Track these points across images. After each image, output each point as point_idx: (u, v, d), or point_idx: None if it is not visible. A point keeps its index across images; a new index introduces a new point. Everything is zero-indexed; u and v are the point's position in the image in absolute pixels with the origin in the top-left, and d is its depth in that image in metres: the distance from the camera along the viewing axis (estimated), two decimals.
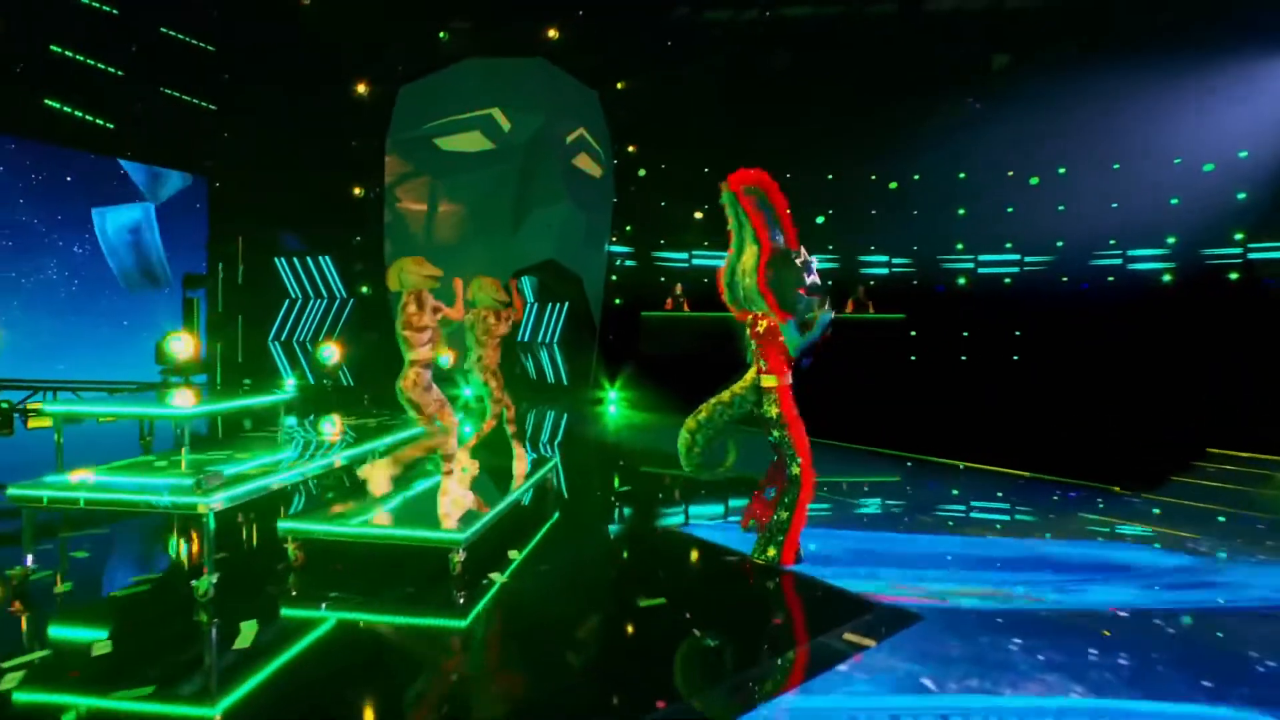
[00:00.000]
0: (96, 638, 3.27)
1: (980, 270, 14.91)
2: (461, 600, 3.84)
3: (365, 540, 4.15)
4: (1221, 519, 5.70)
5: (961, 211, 14.66)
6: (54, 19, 9.15)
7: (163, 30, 10.19)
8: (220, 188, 10.99)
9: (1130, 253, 13.84)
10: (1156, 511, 5.92)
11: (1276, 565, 4.58)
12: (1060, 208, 14.07)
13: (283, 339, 10.95)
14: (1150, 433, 8.93)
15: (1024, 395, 11.29)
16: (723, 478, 4.66)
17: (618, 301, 14.02)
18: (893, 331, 12.43)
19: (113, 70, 9.79)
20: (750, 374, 4.43)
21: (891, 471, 7.45)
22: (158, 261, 10.11)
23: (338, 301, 11.06)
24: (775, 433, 4.33)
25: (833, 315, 4.37)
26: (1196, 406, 9.66)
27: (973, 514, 5.91)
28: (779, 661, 3.28)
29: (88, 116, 9.66)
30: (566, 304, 12.71)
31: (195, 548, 4.58)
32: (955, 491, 6.67)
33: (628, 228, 14.59)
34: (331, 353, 8.53)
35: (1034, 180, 14.24)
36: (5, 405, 7.29)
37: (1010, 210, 14.41)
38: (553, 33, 11.65)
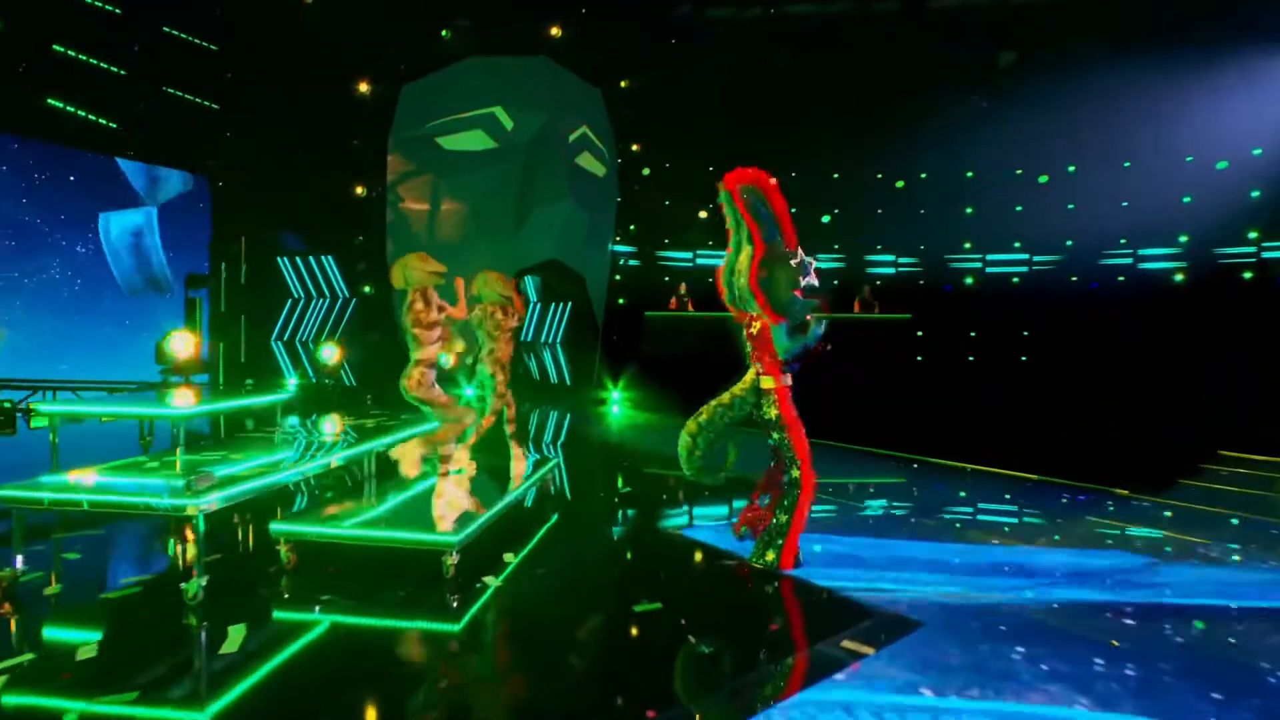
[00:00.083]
0: (83, 641, 3.24)
1: (988, 270, 14.75)
2: (455, 604, 3.79)
3: (358, 542, 4.11)
4: (1234, 522, 5.58)
5: (969, 210, 14.51)
6: (56, 18, 9.18)
7: (165, 29, 10.20)
8: (223, 187, 11.00)
9: (1141, 252, 13.66)
10: (1168, 514, 5.81)
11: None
12: (1070, 206, 13.91)
13: (285, 339, 10.95)
14: (1161, 435, 8.79)
15: (1032, 396, 11.16)
16: (724, 480, 4.61)
17: (621, 301, 13.96)
18: (899, 331, 12.30)
19: (115, 69, 9.81)
20: (749, 375, 4.37)
21: (897, 474, 7.35)
22: (158, 266, 10.13)
23: (340, 301, 11.05)
24: (775, 435, 4.27)
25: (824, 330, 4.30)
26: (1208, 408, 9.51)
27: (979, 517, 5.81)
28: (774, 669, 3.20)
29: (90, 116, 9.69)
30: (569, 304, 12.66)
31: (188, 549, 4.54)
32: (961, 494, 6.57)
33: (631, 227, 14.52)
34: (331, 352, 8.50)
35: (1043, 178, 14.08)
36: (8, 405, 7.31)
37: (1019, 209, 14.25)
38: (555, 31, 11.59)
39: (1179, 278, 13.29)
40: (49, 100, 9.32)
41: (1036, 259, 14.43)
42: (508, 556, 4.44)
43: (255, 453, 4.76)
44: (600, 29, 11.88)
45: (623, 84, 12.99)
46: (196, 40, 10.51)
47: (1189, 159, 12.71)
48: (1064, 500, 6.20)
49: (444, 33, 10.84)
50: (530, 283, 12.06)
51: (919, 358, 12.99)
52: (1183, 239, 13.26)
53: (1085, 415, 9.92)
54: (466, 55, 10.91)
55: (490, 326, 5.49)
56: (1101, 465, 7.09)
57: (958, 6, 12.70)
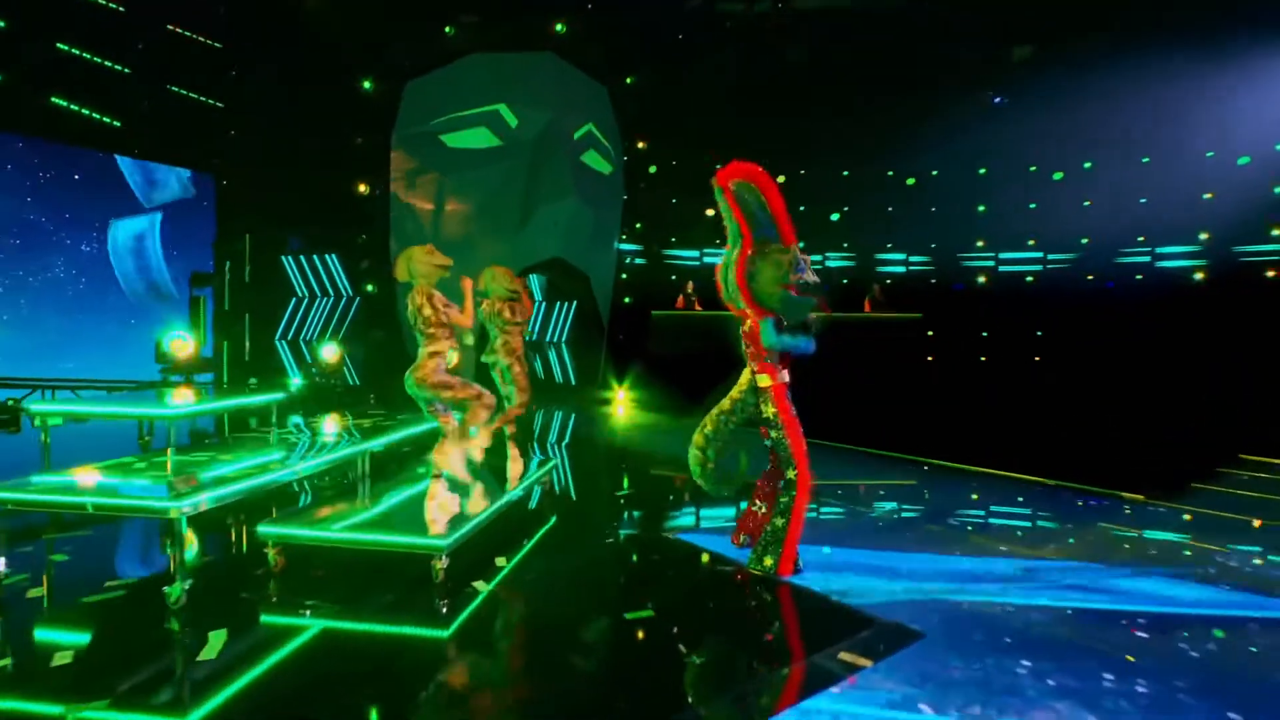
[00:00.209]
0: (59, 646, 3.17)
1: (1001, 268, 14.52)
2: (444, 610, 3.70)
3: (346, 545, 4.03)
4: (1256, 526, 5.38)
5: (981, 208, 14.29)
6: (60, 17, 9.20)
7: (169, 28, 10.21)
8: (227, 185, 11.01)
9: (1159, 250, 13.40)
10: (1187, 517, 5.61)
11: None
12: (1086, 203, 13.66)
13: (289, 337, 10.94)
14: (1179, 438, 8.55)
15: (1046, 398, 10.92)
16: (741, 486, 4.53)
17: (627, 300, 13.86)
18: (909, 331, 12.11)
19: (119, 68, 9.83)
20: (745, 375, 4.27)
21: (906, 477, 7.18)
22: (158, 273, 10.16)
23: (344, 300, 11.03)
24: (773, 433, 4.15)
25: (814, 348, 4.19)
26: (1228, 410, 9.25)
27: (989, 521, 5.63)
28: (764, 683, 3.08)
29: (94, 114, 9.72)
30: (574, 303, 12.57)
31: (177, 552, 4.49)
32: (972, 498, 6.39)
33: (637, 225, 14.42)
34: (331, 352, 8.46)
35: (1058, 175, 13.84)
36: (11, 403, 7.33)
37: (1033, 206, 14.03)
38: (560, 26, 11.49)
39: (1199, 276, 12.99)
40: (53, 99, 9.35)
41: (1051, 257, 14.18)
42: (500, 560, 4.34)
43: (247, 454, 4.71)
44: (606, 24, 11.78)
45: (628, 80, 12.87)
46: (200, 38, 10.52)
47: (1209, 155, 12.42)
48: (1078, 505, 6.01)
49: (447, 29, 10.77)
50: (535, 281, 11.98)
51: (930, 358, 12.77)
52: (1203, 237, 12.96)
53: (1101, 418, 9.68)
54: (471, 51, 10.84)
55: (500, 320, 5.45)
56: (1117, 469, 6.89)
57: None
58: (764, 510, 4.44)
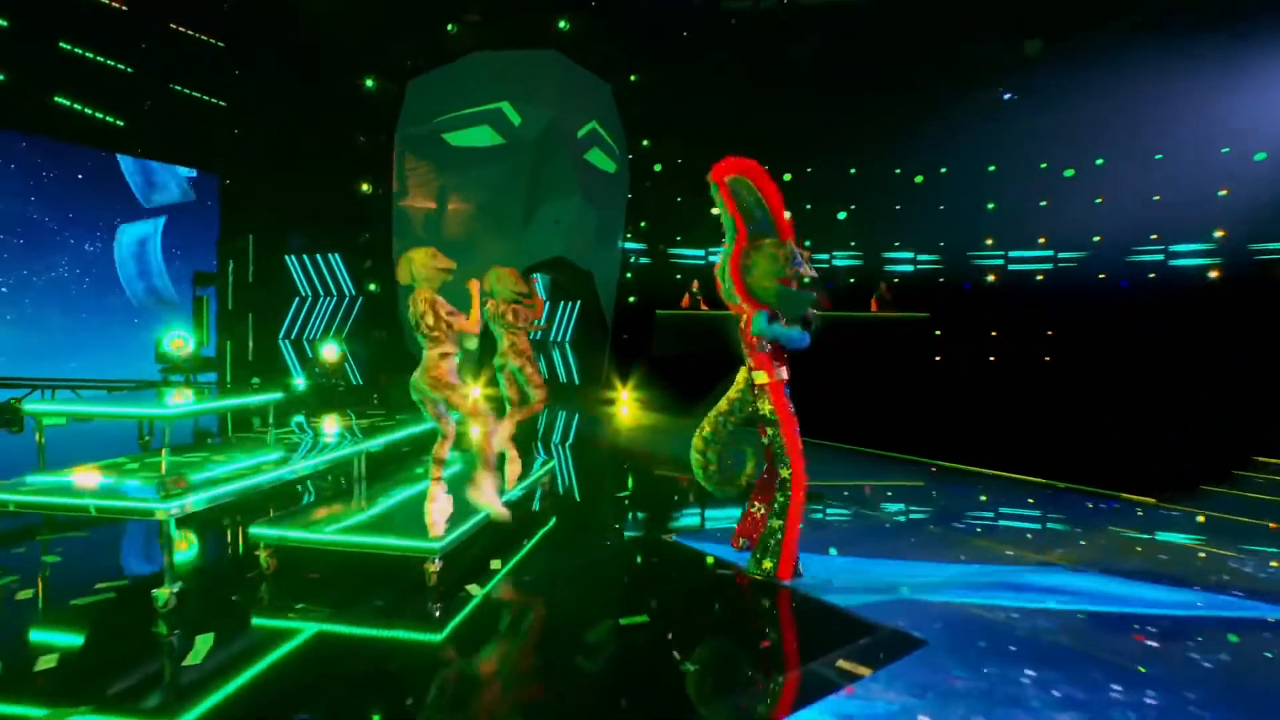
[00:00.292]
0: (45, 649, 3.13)
1: (1010, 267, 14.35)
2: (437, 613, 3.64)
3: (338, 548, 3.97)
4: (1273, 530, 5.23)
5: (991, 205, 14.11)
6: (62, 16, 9.22)
7: (172, 26, 10.21)
8: (230, 185, 11.01)
9: (1173, 248, 13.21)
10: (1200, 523, 5.47)
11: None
12: (1097, 200, 13.47)
13: (293, 337, 10.94)
14: (1192, 439, 8.38)
15: (1056, 399, 10.75)
16: (745, 488, 4.45)
17: (631, 300, 13.78)
18: (916, 331, 11.97)
19: (122, 67, 9.85)
20: (742, 374, 4.19)
21: (913, 478, 7.07)
22: (158, 277, 10.17)
23: (347, 299, 11.01)
24: (769, 431, 4.07)
25: (808, 342, 4.07)
26: (1243, 411, 9.07)
27: (997, 524, 5.50)
28: (759, 692, 2.99)
29: (97, 114, 9.74)
30: (578, 302, 12.51)
31: (171, 554, 4.45)
32: (980, 501, 6.27)
33: (642, 224, 14.35)
34: (330, 351, 8.44)
35: (1069, 172, 13.66)
36: (14, 403, 7.34)
37: (1043, 204, 13.84)
38: (564, 23, 11.42)
39: (1213, 275, 12.78)
40: (55, 98, 9.38)
41: (1062, 256, 14.00)
42: (495, 564, 4.28)
43: (242, 454, 4.67)
44: (610, 21, 11.69)
45: (632, 78, 12.78)
46: (203, 37, 10.51)
47: (1225, 150, 12.21)
48: (1087, 508, 5.88)
49: (450, 26, 10.71)
50: (539, 281, 11.91)
51: (937, 358, 12.62)
52: (1217, 234, 12.74)
53: (1112, 419, 9.51)
54: (473, 49, 10.78)
55: (502, 324, 5.37)
56: (1128, 471, 6.74)
57: None
58: (762, 512, 4.35)
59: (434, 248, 4.13)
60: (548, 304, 12.93)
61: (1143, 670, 3.11)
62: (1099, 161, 13.43)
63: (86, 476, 3.97)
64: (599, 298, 12.24)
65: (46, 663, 3.02)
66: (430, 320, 4.05)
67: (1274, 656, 3.20)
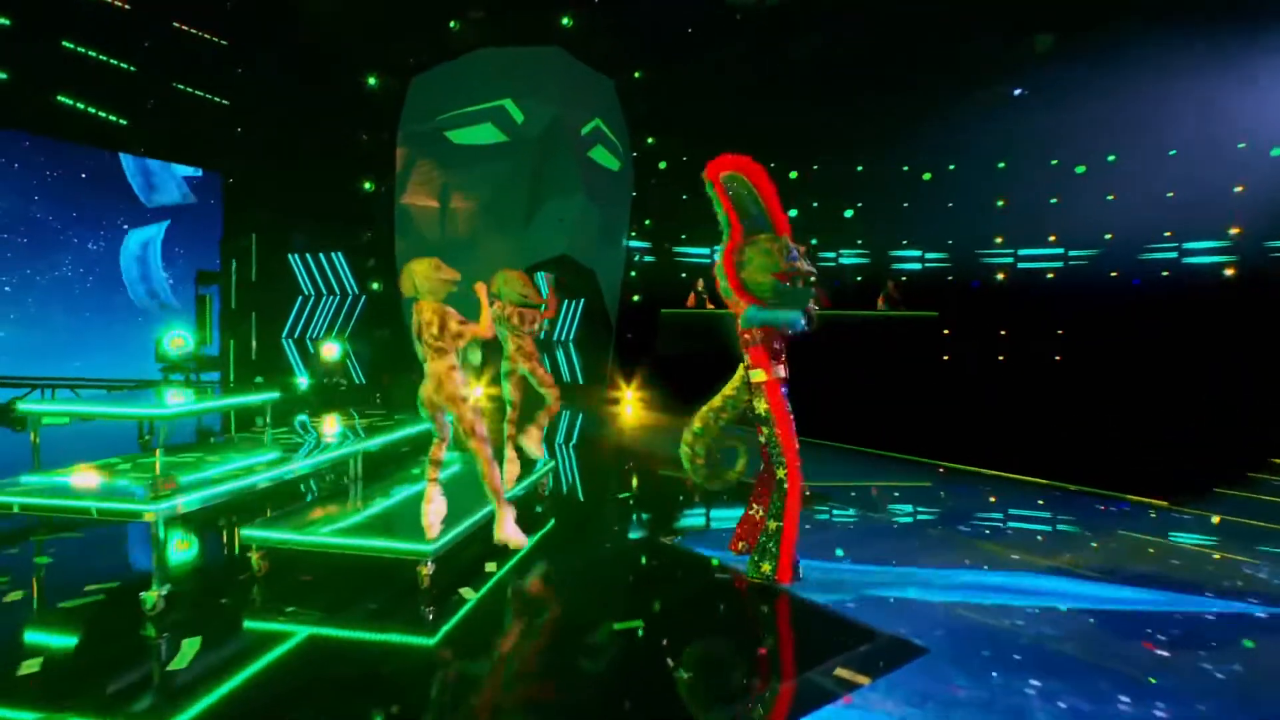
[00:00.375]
0: (29, 653, 3.09)
1: (1020, 265, 14.17)
2: (430, 617, 3.58)
3: (330, 550, 3.92)
4: None
5: (1000, 203, 13.94)
6: (65, 14, 9.24)
7: (175, 25, 10.22)
8: (233, 183, 11.02)
9: (1187, 245, 13.01)
10: (1214, 528, 5.34)
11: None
12: (1109, 197, 13.26)
13: (296, 336, 10.94)
14: (1207, 441, 8.22)
15: (1066, 399, 10.58)
16: (734, 485, 4.40)
17: (636, 299, 13.70)
18: (924, 330, 11.83)
19: (125, 66, 9.86)
20: (739, 371, 4.12)
21: (919, 480, 6.95)
22: (157, 283, 10.20)
23: (350, 298, 11.00)
24: (765, 430, 3.99)
25: (802, 324, 4.00)
26: (1260, 412, 8.88)
27: (1004, 528, 5.38)
28: (753, 702, 2.91)
29: (100, 113, 9.76)
30: (581, 301, 12.44)
31: (163, 556, 4.41)
32: (987, 504, 6.15)
33: (647, 222, 14.26)
34: (331, 350, 8.41)
35: (1080, 169, 13.47)
36: (16, 401, 7.35)
37: (1054, 201, 13.65)
38: (567, 20, 11.35)
39: (1229, 273, 12.56)
40: (58, 97, 9.40)
41: (1072, 253, 13.82)
42: (490, 566, 4.22)
43: (236, 454, 4.62)
44: (614, 17, 11.61)
45: (636, 75, 12.70)
46: (206, 35, 10.51)
47: (1241, 145, 11.98)
48: (1098, 511, 5.76)
49: (452, 23, 10.67)
50: (542, 279, 11.85)
51: (945, 357, 12.47)
52: (1233, 231, 12.53)
53: (1124, 420, 9.34)
54: (476, 46, 10.73)
55: (507, 326, 5.33)
56: (1141, 474, 6.60)
57: None
58: (761, 514, 4.27)
59: (437, 258, 4.01)
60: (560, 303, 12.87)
61: (1153, 681, 3.00)
62: (1111, 158, 13.24)
63: (77, 477, 3.93)
64: (603, 296, 12.17)
65: (29, 667, 2.98)
66: (436, 330, 3.92)
67: None
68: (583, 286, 11.89)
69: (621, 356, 12.76)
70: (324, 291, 11.00)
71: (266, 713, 2.72)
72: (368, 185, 10.89)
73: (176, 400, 5.16)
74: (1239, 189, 12.23)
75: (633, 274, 13.92)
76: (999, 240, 14.30)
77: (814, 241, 15.07)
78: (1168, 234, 13.06)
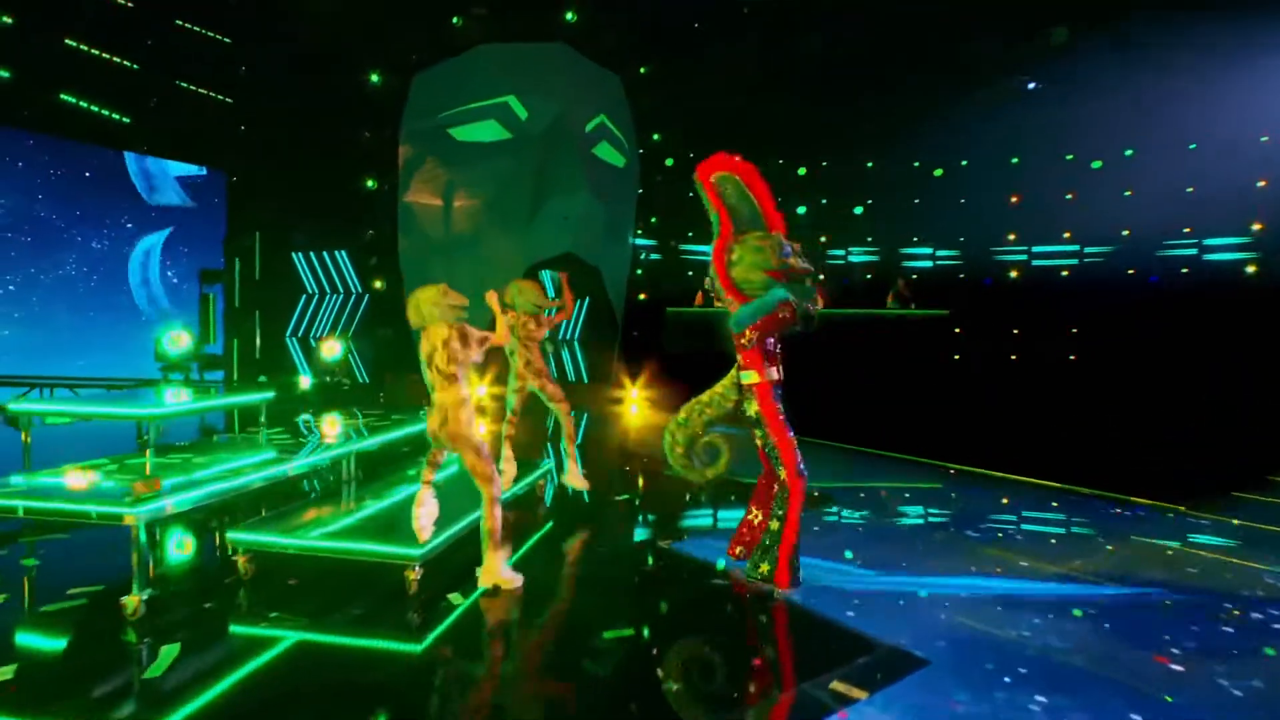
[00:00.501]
0: (5, 659, 3.03)
1: (1034, 262, 13.92)
2: (417, 623, 3.50)
3: (316, 554, 3.85)
4: None
5: (1014, 199, 13.69)
6: (68, 13, 9.26)
7: (178, 23, 10.22)
8: (237, 182, 11.03)
9: (1207, 242, 12.75)
10: (1232, 534, 5.15)
11: None
12: (1126, 193, 12.99)
13: (299, 335, 10.93)
14: (1226, 444, 7.98)
15: (1081, 400, 10.35)
16: (712, 481, 4.29)
17: (642, 297, 13.59)
18: (934, 329, 11.63)
19: (128, 64, 9.87)
20: (732, 371, 4.02)
21: (928, 482, 6.78)
22: (155, 288, 10.24)
23: (353, 297, 10.97)
24: (759, 433, 3.91)
25: (785, 295, 3.88)
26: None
27: (1014, 535, 5.21)
28: (748, 716, 2.80)
29: (103, 111, 9.78)
30: (586, 299, 12.33)
31: (151, 557, 4.36)
32: (997, 509, 5.98)
33: (653, 219, 14.15)
34: (331, 349, 8.38)
35: (1096, 164, 13.21)
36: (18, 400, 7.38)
37: (1069, 197, 13.39)
38: (571, 15, 11.25)
39: (1250, 270, 12.26)
40: (61, 95, 9.43)
41: (1088, 250, 13.56)
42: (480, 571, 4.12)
43: (226, 455, 4.56)
44: (619, 12, 11.49)
45: (642, 70, 12.57)
46: (209, 33, 10.52)
47: (1264, 139, 11.68)
48: (1111, 516, 5.58)
49: (455, 19, 10.59)
50: (546, 277, 11.76)
51: (956, 356, 12.26)
52: (1255, 227, 12.23)
53: (1140, 421, 9.10)
54: (479, 42, 10.64)
55: (522, 335, 5.31)
56: (1157, 477, 6.40)
57: None
58: (760, 518, 4.18)
59: (443, 284, 3.83)
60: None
61: (1169, 700, 2.85)
62: (1128, 152, 12.96)
63: (61, 479, 3.88)
64: (608, 295, 12.07)
65: (3, 674, 2.92)
66: (456, 344, 3.70)
67: None
68: (587, 285, 11.78)
69: (627, 355, 12.65)
70: (327, 290, 10.98)
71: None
72: (371, 183, 10.86)
73: (173, 400, 5.12)
74: (1261, 184, 11.94)
75: (639, 272, 13.81)
76: (1012, 237, 14.06)
77: (823, 239, 14.89)
78: (1187, 230, 12.77)
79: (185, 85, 10.58)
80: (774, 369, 3.92)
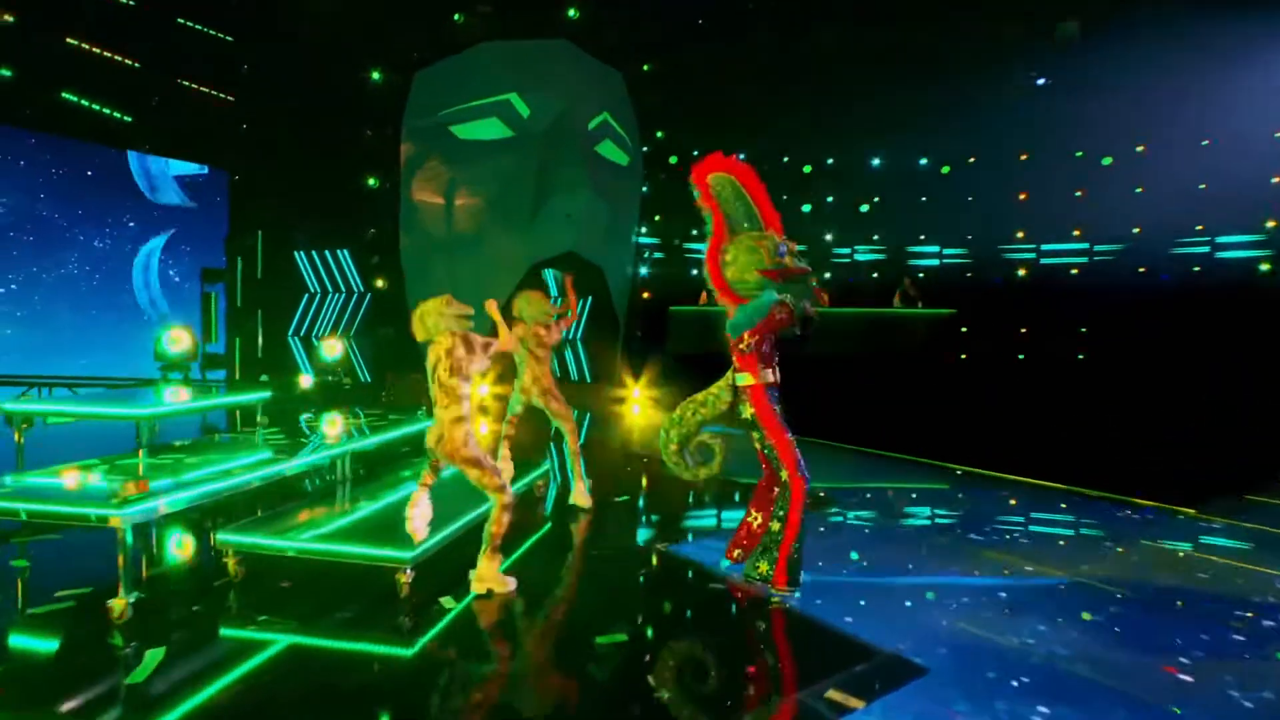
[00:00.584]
0: None
1: (1043, 261, 13.76)
2: (408, 627, 3.45)
3: (306, 556, 3.79)
4: None
5: (1022, 196, 13.53)
6: (69, 11, 9.27)
7: (179, 21, 10.23)
8: (239, 180, 11.03)
9: (1220, 239, 12.55)
10: (1246, 539, 5.03)
11: None
12: (1137, 190, 12.81)
13: (302, 334, 10.92)
14: (1239, 447, 7.83)
15: (1090, 401, 10.19)
16: (705, 481, 4.29)
17: (646, 296, 13.52)
18: (941, 328, 11.51)
19: (129, 62, 9.88)
20: (728, 373, 3.97)
21: (934, 484, 6.68)
22: (155, 292, 10.26)
23: (355, 296, 10.95)
24: (755, 436, 3.87)
25: (776, 297, 3.85)
26: None
27: (1020, 539, 5.10)
28: None
29: (105, 110, 9.80)
30: (588, 299, 12.27)
31: (143, 559, 4.34)
32: (1003, 512, 5.87)
33: (656, 218, 14.06)
34: (331, 348, 8.36)
35: (1106, 160, 13.03)
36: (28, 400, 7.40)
37: (1078, 194, 13.22)
38: (573, 11, 11.18)
39: (1264, 268, 12.07)
40: (63, 94, 9.45)
41: (1098, 248, 13.39)
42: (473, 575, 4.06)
43: (219, 456, 4.52)
44: (622, 8, 11.43)
45: (645, 67, 12.49)
46: (211, 32, 10.52)
47: (1278, 135, 11.48)
48: (1120, 519, 5.46)
49: (456, 15, 10.55)
50: (550, 276, 11.70)
51: (963, 356, 12.13)
52: (1269, 225, 12.04)
53: (1151, 422, 8.95)
54: (481, 40, 10.59)
55: (533, 345, 5.24)
56: (1167, 479, 6.27)
57: None
58: (759, 521, 4.12)
59: (448, 294, 3.76)
60: (557, 300, 12.70)
61: (1177, 712, 2.76)
62: (1139, 148, 12.78)
63: (50, 479, 3.85)
64: (610, 294, 12.00)
65: None
66: (462, 351, 3.62)
67: None
68: (590, 284, 11.72)
69: (631, 355, 12.58)
70: (329, 289, 10.97)
71: None
72: (372, 182, 10.83)
73: (170, 400, 5.10)
74: (1276, 180, 11.75)
75: (642, 271, 13.74)
76: (1020, 235, 13.89)
77: (828, 237, 14.76)
78: (1199, 228, 12.58)
79: (187, 84, 10.58)
80: (769, 371, 3.87)
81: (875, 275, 14.31)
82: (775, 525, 3.86)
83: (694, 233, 14.57)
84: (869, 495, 6.35)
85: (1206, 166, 12.04)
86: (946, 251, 14.36)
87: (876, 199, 14.42)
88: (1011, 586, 4.03)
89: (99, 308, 10.17)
